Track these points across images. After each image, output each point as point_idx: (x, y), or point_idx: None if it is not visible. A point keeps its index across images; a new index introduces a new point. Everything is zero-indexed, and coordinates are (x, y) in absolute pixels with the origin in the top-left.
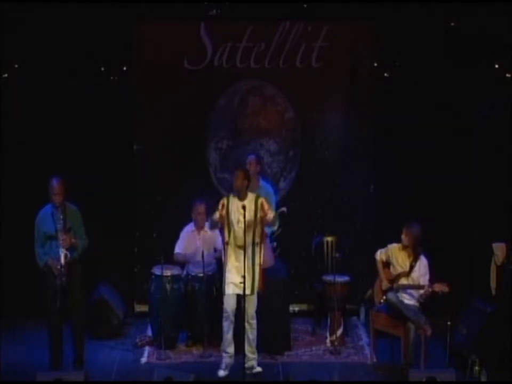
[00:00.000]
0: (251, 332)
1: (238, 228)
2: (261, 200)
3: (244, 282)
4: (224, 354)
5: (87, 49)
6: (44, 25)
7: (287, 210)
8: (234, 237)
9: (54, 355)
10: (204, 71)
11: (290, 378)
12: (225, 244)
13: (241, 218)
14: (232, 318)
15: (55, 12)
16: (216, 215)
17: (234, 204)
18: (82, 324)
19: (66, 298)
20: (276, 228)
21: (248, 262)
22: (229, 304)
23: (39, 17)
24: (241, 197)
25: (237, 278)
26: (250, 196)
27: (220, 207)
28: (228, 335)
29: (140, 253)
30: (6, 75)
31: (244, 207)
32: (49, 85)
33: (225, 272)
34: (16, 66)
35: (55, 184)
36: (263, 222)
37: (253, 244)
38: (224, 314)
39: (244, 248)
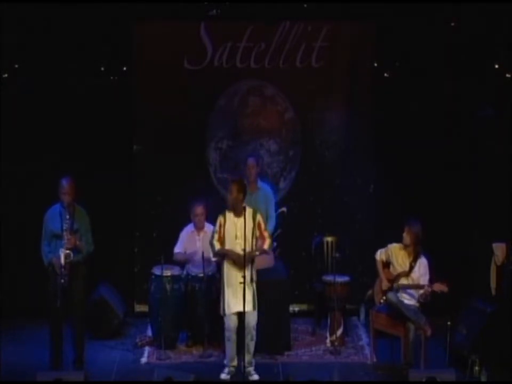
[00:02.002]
0: (251, 343)
1: (236, 244)
2: (258, 217)
3: (244, 282)
4: (227, 365)
5: (87, 49)
6: (44, 25)
7: (287, 210)
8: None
9: (54, 355)
10: (204, 71)
11: (290, 378)
12: (222, 260)
13: (239, 233)
14: (235, 336)
15: (55, 11)
16: (216, 243)
17: (231, 220)
18: (82, 323)
19: (67, 298)
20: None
21: (247, 278)
22: (231, 324)
23: (38, 17)
24: (237, 212)
25: (236, 296)
26: (248, 211)
27: (217, 227)
28: (232, 354)
29: (139, 253)
30: (6, 75)
31: (244, 221)
32: (49, 85)
33: (223, 291)
34: (16, 66)
35: (64, 184)
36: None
37: (250, 259)
38: (227, 334)
39: (242, 263)
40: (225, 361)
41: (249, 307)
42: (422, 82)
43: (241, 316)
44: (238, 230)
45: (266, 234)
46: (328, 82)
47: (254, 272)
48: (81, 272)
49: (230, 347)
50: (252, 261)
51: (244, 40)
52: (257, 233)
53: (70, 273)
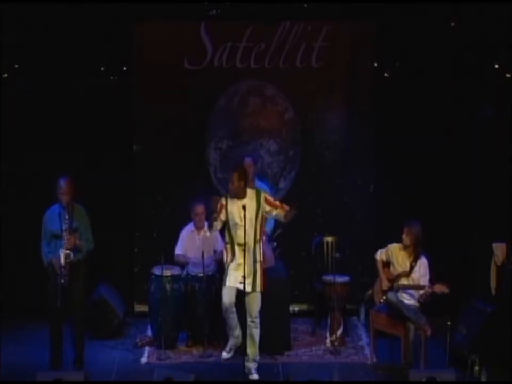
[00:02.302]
0: (255, 331)
1: (240, 226)
2: (263, 195)
3: (244, 282)
4: (230, 337)
5: (87, 49)
6: (44, 25)
7: None
8: (236, 236)
9: (54, 355)
10: (204, 71)
11: (290, 378)
12: (226, 243)
13: (243, 216)
14: (232, 309)
15: (55, 11)
16: (215, 218)
17: (234, 203)
18: (82, 323)
19: (69, 298)
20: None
21: (250, 260)
22: (227, 296)
23: (38, 17)
24: (241, 196)
25: (239, 275)
26: (250, 193)
27: (218, 207)
28: (231, 321)
29: (140, 253)
30: (6, 75)
31: (244, 207)
32: (49, 85)
33: (227, 269)
34: (16, 66)
35: (62, 183)
36: (266, 217)
37: (254, 241)
38: (223, 307)
39: (245, 246)
40: (227, 331)
41: (248, 288)
42: (422, 82)
43: (240, 297)
44: (242, 212)
45: (278, 202)
46: (328, 82)
47: (260, 253)
48: (81, 272)
49: (228, 315)
50: (260, 243)
51: (244, 40)
52: (268, 208)
53: (70, 273)
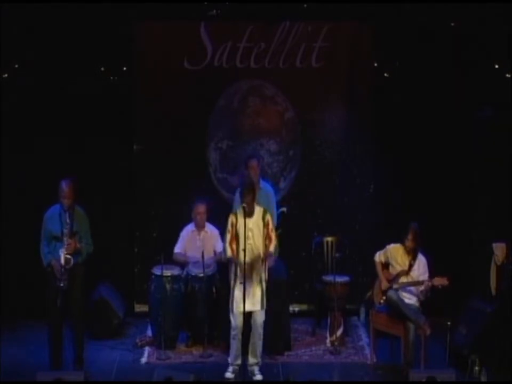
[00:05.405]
0: (259, 344)
1: (247, 243)
2: (267, 217)
3: (244, 284)
4: (231, 365)
5: (87, 49)
6: (44, 25)
7: (287, 210)
8: (242, 254)
9: (54, 355)
10: (204, 71)
11: (290, 378)
12: (232, 260)
13: (250, 234)
14: (240, 335)
15: (55, 11)
16: (228, 248)
17: (242, 220)
18: (82, 323)
19: (67, 299)
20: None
21: (257, 278)
22: (238, 323)
23: (39, 17)
24: (249, 212)
25: (246, 295)
26: (257, 210)
27: (229, 227)
28: (237, 352)
29: (140, 253)
30: (6, 75)
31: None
32: (49, 85)
33: (232, 289)
34: (16, 66)
35: (64, 186)
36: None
37: (261, 259)
38: (233, 332)
39: (252, 264)
40: (229, 360)
41: (257, 307)
42: (421, 82)
43: (248, 315)
44: (249, 231)
45: (273, 235)
46: (328, 82)
47: (265, 272)
48: (80, 273)
49: (235, 346)
50: (263, 261)
51: (243, 40)
52: (265, 232)
53: (69, 274)
